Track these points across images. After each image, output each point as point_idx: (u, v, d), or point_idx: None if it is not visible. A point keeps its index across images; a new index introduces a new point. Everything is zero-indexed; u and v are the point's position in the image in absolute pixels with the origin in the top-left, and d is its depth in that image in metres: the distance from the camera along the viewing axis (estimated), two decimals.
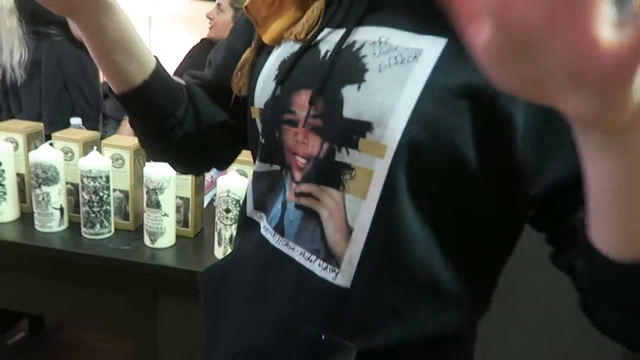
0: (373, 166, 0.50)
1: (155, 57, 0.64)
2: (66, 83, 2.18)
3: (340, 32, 0.55)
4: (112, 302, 1.28)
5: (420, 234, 0.51)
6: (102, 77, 2.83)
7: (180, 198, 1.29)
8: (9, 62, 2.14)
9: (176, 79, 0.67)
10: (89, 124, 1.88)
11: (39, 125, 1.39)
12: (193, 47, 2.61)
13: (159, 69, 0.63)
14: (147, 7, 3.79)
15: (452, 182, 0.50)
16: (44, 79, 2.17)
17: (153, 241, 1.25)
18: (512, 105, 0.46)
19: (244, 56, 0.63)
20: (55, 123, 2.13)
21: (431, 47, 0.48)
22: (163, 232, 1.25)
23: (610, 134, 0.30)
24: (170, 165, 0.78)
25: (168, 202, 1.23)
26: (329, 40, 0.56)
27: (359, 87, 0.51)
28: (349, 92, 0.51)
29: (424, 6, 0.50)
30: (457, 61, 0.47)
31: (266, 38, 0.60)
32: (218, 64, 0.70)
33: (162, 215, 1.24)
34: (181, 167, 0.79)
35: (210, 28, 2.45)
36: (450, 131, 0.48)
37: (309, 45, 0.57)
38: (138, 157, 1.32)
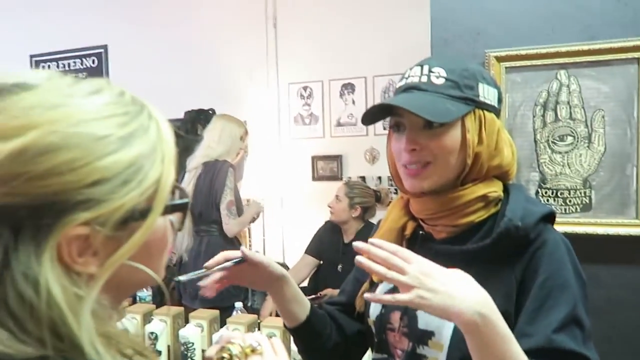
0: (438, 356, 0.87)
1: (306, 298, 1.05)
2: None
3: None
4: None
5: None
6: None
7: None
8: (181, 250, 2.86)
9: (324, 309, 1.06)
10: (235, 299, 2.39)
11: (216, 313, 1.90)
12: (320, 228, 3.15)
13: (312, 307, 1.03)
14: (279, 191, 4.51)
15: None
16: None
17: None
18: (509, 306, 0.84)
19: (364, 287, 1.03)
20: (209, 300, 2.69)
21: None
22: None
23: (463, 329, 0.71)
24: None
25: None
26: None
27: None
28: (420, 313, 0.91)
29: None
30: None
31: (375, 278, 1.02)
32: (349, 290, 1.09)
33: None
34: None
35: (331, 214, 3.01)
36: None
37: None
38: (286, 334, 1.75)
